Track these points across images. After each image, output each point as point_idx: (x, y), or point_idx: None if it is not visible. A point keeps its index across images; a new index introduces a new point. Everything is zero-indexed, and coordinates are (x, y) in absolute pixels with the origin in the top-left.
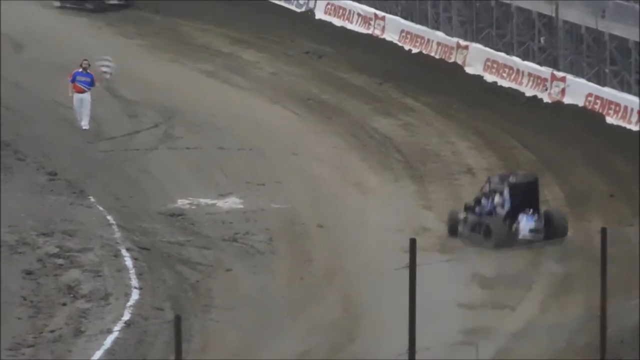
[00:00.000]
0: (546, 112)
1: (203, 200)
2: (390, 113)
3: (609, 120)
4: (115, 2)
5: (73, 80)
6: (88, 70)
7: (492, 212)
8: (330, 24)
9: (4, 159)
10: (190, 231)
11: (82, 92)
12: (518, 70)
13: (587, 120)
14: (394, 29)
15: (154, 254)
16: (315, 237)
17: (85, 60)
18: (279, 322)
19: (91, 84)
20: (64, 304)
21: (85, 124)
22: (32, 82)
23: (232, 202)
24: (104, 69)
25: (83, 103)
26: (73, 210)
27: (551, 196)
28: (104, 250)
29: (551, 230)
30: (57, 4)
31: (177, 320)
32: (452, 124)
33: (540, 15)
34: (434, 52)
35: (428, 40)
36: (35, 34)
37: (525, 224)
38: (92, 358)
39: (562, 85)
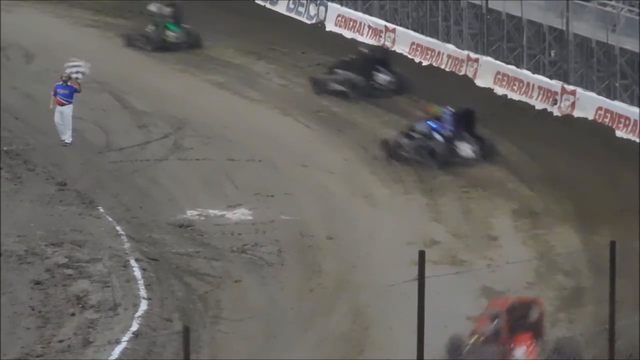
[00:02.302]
0: (556, 126)
1: (212, 212)
2: (401, 125)
3: (619, 133)
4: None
5: (55, 94)
6: (69, 83)
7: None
8: (340, 36)
9: (14, 168)
10: (200, 242)
11: (63, 105)
12: (528, 84)
13: (597, 133)
14: (404, 41)
15: (162, 264)
16: (324, 249)
17: (65, 72)
18: (287, 334)
19: (70, 96)
20: (73, 315)
21: (67, 137)
22: (42, 92)
23: (241, 214)
24: (74, 72)
25: (63, 116)
26: (82, 220)
27: (560, 209)
28: (112, 260)
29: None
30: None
31: (186, 331)
32: None
33: (551, 28)
34: (445, 65)
35: (438, 52)
36: (46, 44)
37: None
38: None
39: (572, 98)
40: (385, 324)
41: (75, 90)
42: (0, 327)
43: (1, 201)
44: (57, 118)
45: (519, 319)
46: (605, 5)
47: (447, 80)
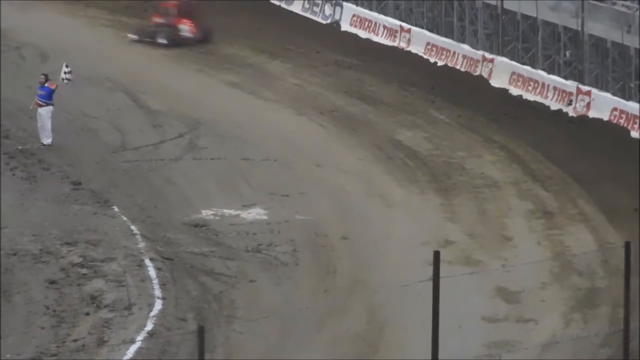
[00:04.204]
0: (571, 126)
1: (227, 211)
2: (416, 125)
3: (634, 134)
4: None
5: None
6: (46, 84)
7: None
8: (356, 36)
9: (29, 168)
10: (214, 242)
11: (40, 106)
12: (543, 84)
13: (612, 134)
14: (419, 41)
15: (177, 264)
16: (339, 249)
17: (42, 75)
18: (302, 334)
19: (47, 97)
20: (87, 314)
21: (45, 139)
22: (57, 92)
23: (256, 213)
24: (67, 77)
25: (41, 118)
26: (97, 220)
27: (576, 210)
28: (127, 260)
29: None
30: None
31: (200, 330)
32: (477, 137)
33: (566, 29)
34: (460, 65)
35: (454, 53)
36: (61, 45)
37: None
38: None
39: (587, 99)
40: (400, 324)
41: (52, 91)
42: None
43: (16, 200)
44: (38, 119)
45: (183, 11)
46: (620, 5)
47: (462, 80)
